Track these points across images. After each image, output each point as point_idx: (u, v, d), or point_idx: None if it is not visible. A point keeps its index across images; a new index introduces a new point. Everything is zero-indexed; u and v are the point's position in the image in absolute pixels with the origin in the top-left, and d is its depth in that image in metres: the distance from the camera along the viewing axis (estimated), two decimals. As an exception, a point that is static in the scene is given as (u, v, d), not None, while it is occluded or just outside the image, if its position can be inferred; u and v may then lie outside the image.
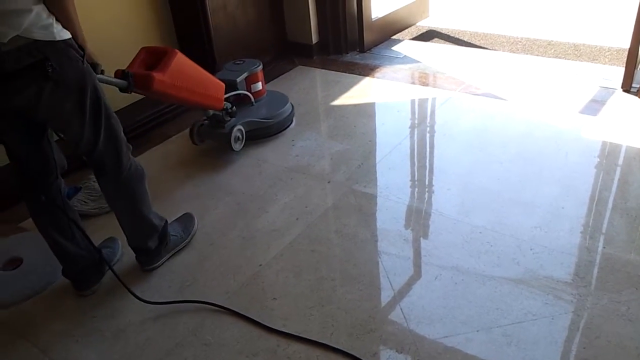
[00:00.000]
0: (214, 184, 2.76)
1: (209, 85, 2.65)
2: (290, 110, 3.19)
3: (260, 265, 2.21)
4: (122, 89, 2.18)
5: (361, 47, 4.14)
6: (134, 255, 2.23)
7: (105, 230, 2.37)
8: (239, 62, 3.14)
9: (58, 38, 1.64)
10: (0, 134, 1.83)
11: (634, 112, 3.01)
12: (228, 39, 3.64)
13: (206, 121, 2.94)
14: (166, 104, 3.33)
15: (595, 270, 2.04)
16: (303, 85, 3.74)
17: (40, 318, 2.07)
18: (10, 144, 1.86)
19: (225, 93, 2.83)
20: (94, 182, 2.69)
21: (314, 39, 4.08)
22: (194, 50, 3.56)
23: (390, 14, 4.38)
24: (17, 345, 1.97)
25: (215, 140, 2.98)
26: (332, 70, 3.91)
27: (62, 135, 1.90)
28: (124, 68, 2.20)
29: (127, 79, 2.17)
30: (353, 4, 4.00)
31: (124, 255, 2.30)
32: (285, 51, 4.14)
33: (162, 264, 2.22)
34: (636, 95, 3.14)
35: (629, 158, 2.68)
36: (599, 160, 2.69)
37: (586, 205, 2.39)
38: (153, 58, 2.36)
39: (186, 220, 2.38)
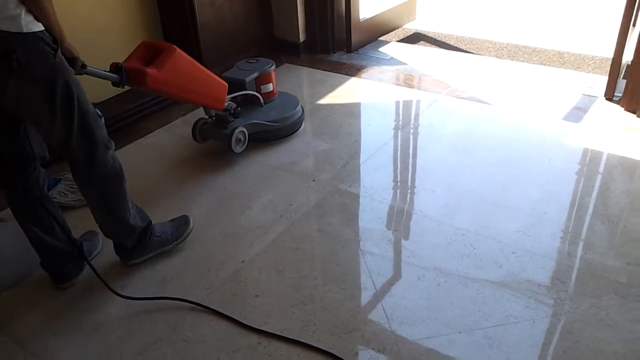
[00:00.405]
0: (197, 179, 2.73)
1: (208, 85, 2.59)
2: (299, 114, 3.07)
3: (243, 262, 2.19)
4: (115, 83, 2.14)
5: (348, 47, 4.14)
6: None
7: (85, 222, 2.32)
8: (252, 60, 3.06)
9: (26, 30, 1.56)
10: None
11: (616, 120, 3.05)
12: (215, 35, 3.61)
13: (210, 119, 2.86)
14: (148, 98, 3.29)
15: (576, 275, 2.06)
16: (289, 83, 3.72)
17: (17, 311, 2.03)
18: None
19: (233, 92, 2.78)
20: (74, 173, 2.65)
21: (302, 37, 4.07)
22: (181, 44, 3.52)
23: (377, 15, 4.39)
24: (-9, 337, 1.92)
25: (216, 140, 2.88)
26: (319, 69, 3.90)
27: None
28: (116, 62, 2.16)
29: (121, 73, 2.13)
30: (341, 4, 4.00)
31: (105, 248, 2.26)
32: (272, 48, 4.12)
33: (143, 260, 2.17)
34: (618, 103, 3.19)
35: (610, 165, 2.71)
36: (580, 166, 2.72)
37: (568, 210, 2.41)
38: (152, 53, 2.31)
39: (180, 222, 2.28)
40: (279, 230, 2.34)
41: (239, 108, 2.83)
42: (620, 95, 3.19)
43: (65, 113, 1.72)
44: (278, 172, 2.75)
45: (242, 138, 2.81)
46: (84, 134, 1.81)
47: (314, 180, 2.67)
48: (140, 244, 2.12)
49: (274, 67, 3.04)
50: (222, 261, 2.20)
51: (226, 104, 2.75)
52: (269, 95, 3.05)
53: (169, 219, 2.28)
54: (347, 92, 3.57)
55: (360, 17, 4.15)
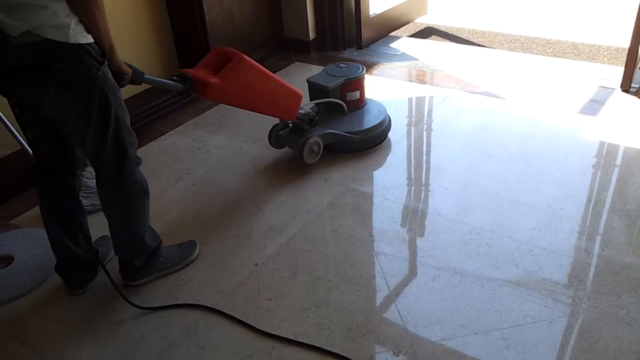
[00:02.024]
0: (208, 182, 2.73)
1: (278, 96, 2.51)
2: (384, 126, 2.88)
3: (256, 264, 2.18)
4: (179, 92, 2.16)
5: (359, 43, 4.11)
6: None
7: (98, 228, 2.32)
8: (342, 65, 2.89)
9: (72, 41, 1.56)
10: (24, 127, 1.81)
11: (633, 113, 2.99)
12: (224, 35, 3.60)
13: (289, 126, 2.78)
14: (160, 100, 3.30)
15: (594, 273, 2.02)
16: (300, 81, 3.69)
17: (31, 317, 2.04)
18: (33, 138, 1.83)
19: (316, 98, 2.75)
20: (87, 178, 2.65)
21: (311, 35, 4.05)
22: (190, 45, 3.53)
23: (388, 10, 4.35)
24: (7, 345, 1.93)
25: (291, 147, 2.78)
26: (330, 66, 3.87)
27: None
28: (184, 69, 2.19)
29: (186, 82, 2.14)
30: (351, 1, 3.96)
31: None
32: (282, 47, 4.11)
33: (143, 283, 2.11)
34: (635, 95, 3.12)
35: (628, 159, 2.66)
36: (597, 161, 2.67)
37: (585, 206, 2.37)
38: (222, 61, 2.30)
39: (187, 247, 2.23)
40: (292, 232, 2.33)
41: (317, 117, 2.71)
42: (637, 86, 3.13)
43: (100, 127, 1.73)
44: (289, 172, 2.73)
45: (315, 149, 2.68)
46: (117, 149, 1.81)
47: (326, 180, 2.65)
48: (148, 263, 2.09)
49: (364, 72, 2.85)
50: (235, 264, 2.19)
51: (302, 111, 2.66)
52: (355, 104, 2.87)
53: (177, 243, 2.24)
54: (358, 89, 3.54)
55: (371, 13, 4.12)
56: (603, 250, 2.11)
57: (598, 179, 2.55)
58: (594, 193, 2.45)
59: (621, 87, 3.21)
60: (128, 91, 2.40)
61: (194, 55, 3.53)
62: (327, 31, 4.04)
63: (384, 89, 3.54)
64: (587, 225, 2.26)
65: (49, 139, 1.83)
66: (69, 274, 2.09)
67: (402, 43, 4.26)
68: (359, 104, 2.90)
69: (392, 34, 4.43)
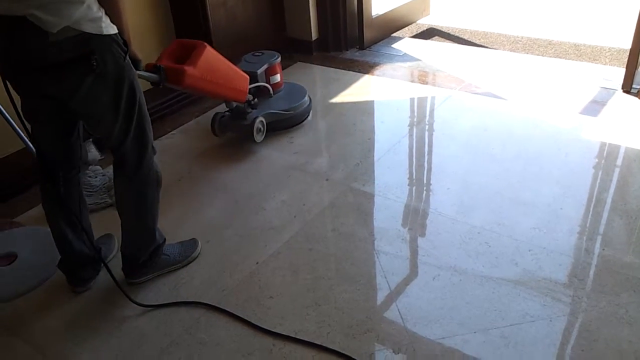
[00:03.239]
0: (210, 180, 2.74)
1: (235, 78, 2.67)
2: (308, 102, 3.19)
3: (257, 263, 2.19)
4: (154, 83, 2.18)
5: (361, 44, 4.12)
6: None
7: (101, 226, 2.34)
8: (257, 53, 3.14)
9: (105, 32, 1.63)
10: (31, 124, 1.83)
11: (634, 113, 2.99)
12: (227, 35, 3.61)
13: (227, 113, 2.94)
14: (166, 98, 3.31)
15: (594, 272, 2.03)
16: (302, 81, 3.70)
17: (33, 315, 2.05)
18: (41, 137, 1.85)
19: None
20: (89, 177, 2.67)
21: (314, 35, 4.06)
22: (193, 45, 3.54)
23: (390, 11, 4.36)
24: (10, 343, 1.94)
25: (236, 131, 2.98)
26: (332, 67, 3.89)
27: (89, 131, 1.94)
28: (151, 62, 2.21)
29: (159, 72, 2.16)
30: (353, 1, 3.98)
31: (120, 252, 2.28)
32: (285, 47, 4.11)
33: (145, 280, 2.12)
34: (636, 96, 3.13)
35: (628, 159, 2.66)
36: (598, 161, 2.68)
37: (585, 206, 2.38)
38: (182, 51, 2.36)
39: (188, 245, 2.25)
40: (293, 231, 2.34)
41: (256, 99, 2.91)
42: (639, 87, 3.13)
43: (127, 114, 1.79)
44: (291, 171, 2.75)
45: (261, 127, 2.90)
46: (139, 136, 1.86)
47: (327, 180, 2.67)
48: (151, 260, 2.10)
49: (279, 58, 3.11)
50: (237, 262, 2.21)
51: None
52: (277, 86, 3.13)
53: (178, 241, 2.25)
54: (360, 89, 3.56)
55: (373, 14, 4.13)
56: (603, 249, 2.12)
57: (599, 179, 2.56)
58: (595, 193, 2.46)
59: (622, 88, 3.21)
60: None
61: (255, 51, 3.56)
62: (330, 31, 4.05)
63: (386, 89, 3.56)
64: (587, 225, 2.27)
65: (58, 135, 1.86)
66: (72, 270, 2.10)
67: (405, 44, 4.27)
68: (280, 87, 3.18)
69: (394, 34, 4.45)
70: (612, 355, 1.71)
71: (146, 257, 2.08)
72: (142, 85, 1.87)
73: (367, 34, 4.11)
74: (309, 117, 3.20)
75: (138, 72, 2.02)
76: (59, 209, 1.98)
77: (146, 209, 2.01)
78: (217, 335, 1.89)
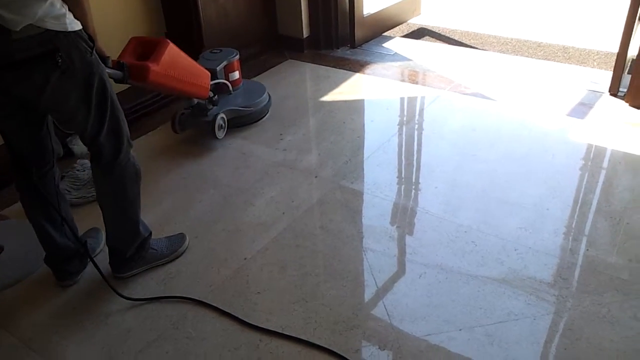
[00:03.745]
0: (200, 176, 2.74)
1: (198, 75, 2.66)
2: (267, 99, 3.23)
3: (245, 259, 2.20)
4: (117, 80, 2.15)
5: (352, 42, 4.13)
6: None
7: (88, 219, 2.34)
8: (215, 51, 3.15)
9: (70, 29, 1.62)
10: (1, 121, 1.80)
11: (621, 116, 3.03)
12: (218, 31, 3.61)
13: (188, 110, 2.94)
14: (151, 95, 3.30)
15: (578, 272, 2.05)
16: (293, 79, 3.72)
17: (20, 308, 2.04)
18: (8, 131, 1.83)
19: None
20: (77, 170, 2.66)
21: (305, 33, 4.06)
22: (184, 42, 3.53)
23: (382, 10, 4.37)
24: (-5, 334, 1.94)
25: (198, 128, 2.99)
26: (323, 65, 3.89)
27: (61, 127, 1.92)
28: (114, 59, 2.15)
29: (123, 69, 2.14)
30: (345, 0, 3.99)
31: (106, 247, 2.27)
32: (276, 44, 4.12)
33: (132, 275, 2.12)
34: (623, 99, 3.16)
35: (614, 162, 2.70)
36: (584, 162, 2.71)
37: (571, 207, 2.41)
38: (143, 48, 2.34)
39: (176, 239, 2.25)
40: (281, 227, 2.35)
41: (216, 96, 2.92)
42: (625, 90, 3.17)
43: (100, 108, 1.78)
44: (280, 168, 2.75)
45: (222, 124, 2.93)
46: (114, 129, 1.85)
47: (316, 177, 2.68)
48: (138, 254, 2.09)
49: (238, 55, 3.13)
50: (225, 258, 2.21)
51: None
52: (235, 83, 3.14)
53: (166, 236, 2.25)
54: (350, 88, 3.57)
55: (365, 12, 4.14)
56: (587, 250, 2.15)
57: (585, 180, 2.59)
58: (580, 194, 2.49)
59: (609, 91, 3.25)
60: (117, 86, 2.41)
61: (187, 49, 3.54)
62: (321, 29, 4.06)
63: (376, 88, 3.57)
64: (572, 225, 2.30)
65: (26, 130, 1.83)
66: (58, 265, 2.10)
67: (395, 43, 4.29)
68: (238, 84, 3.19)
69: (385, 33, 4.46)
70: (594, 354, 1.73)
71: (133, 251, 2.07)
72: (120, 86, 1.88)
73: (359, 33, 4.12)
74: (267, 115, 3.23)
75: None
76: (37, 205, 1.97)
77: (127, 202, 2.00)
78: (204, 330, 1.90)
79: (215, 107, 2.95)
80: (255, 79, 3.70)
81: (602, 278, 2.01)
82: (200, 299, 2.01)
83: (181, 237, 2.27)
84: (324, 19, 4.01)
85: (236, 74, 3.15)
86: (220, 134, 2.92)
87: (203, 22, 3.47)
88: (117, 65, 2.14)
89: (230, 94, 3.10)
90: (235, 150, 2.92)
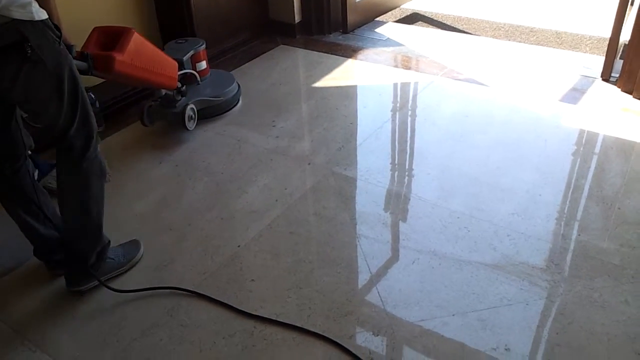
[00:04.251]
0: (192, 164, 2.73)
1: (164, 65, 2.58)
2: (237, 89, 3.19)
3: (239, 246, 2.20)
4: (82, 72, 2.02)
5: (344, 27, 4.11)
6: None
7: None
8: (181, 41, 3.08)
9: (37, 18, 1.56)
10: None
11: (613, 102, 3.04)
12: (209, 17, 3.58)
13: (156, 102, 2.87)
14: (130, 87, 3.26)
15: (570, 257, 2.07)
16: (285, 65, 3.70)
17: (12, 297, 2.03)
18: None
19: None
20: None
21: (297, 18, 4.03)
22: (174, 28, 3.50)
23: (374, -5, 4.35)
24: (-12, 323, 1.93)
25: (167, 120, 2.93)
26: (315, 50, 3.87)
27: (30, 121, 1.86)
28: (78, 50, 2.06)
29: (87, 60, 2.05)
30: (337, -16, 3.96)
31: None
32: (267, 30, 4.09)
33: (88, 288, 2.01)
34: (615, 84, 3.17)
35: (606, 147, 2.71)
36: (576, 148, 2.72)
37: (563, 192, 2.42)
38: (107, 38, 2.25)
39: (130, 246, 2.16)
40: (275, 215, 2.35)
41: (184, 87, 2.86)
42: (617, 75, 3.17)
43: (71, 99, 1.73)
44: (273, 155, 2.75)
45: (192, 115, 2.88)
46: (85, 121, 1.80)
47: (309, 164, 2.67)
48: (98, 262, 2.00)
49: (204, 45, 3.08)
50: (218, 245, 2.21)
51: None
52: (203, 73, 3.10)
53: (119, 244, 2.14)
54: (343, 73, 3.55)
55: (357, -2, 4.12)
56: (579, 235, 2.16)
57: (577, 166, 2.60)
58: (573, 180, 2.50)
59: (602, 76, 3.25)
60: (91, 80, 2.36)
61: (178, 36, 3.51)
62: (313, 14, 4.03)
63: (368, 73, 3.56)
64: (564, 211, 2.31)
65: None
66: (46, 256, 2.06)
67: (388, 28, 4.26)
68: (206, 74, 3.15)
69: (378, 19, 4.43)
70: (586, 338, 1.75)
71: (94, 258, 1.97)
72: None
73: (351, 18, 4.09)
74: (239, 104, 3.20)
75: None
76: (14, 199, 1.92)
77: (92, 200, 1.91)
78: (199, 318, 1.90)
79: (184, 98, 2.89)
80: (246, 65, 3.69)
81: (593, 263, 2.02)
82: (194, 290, 2.00)
83: (135, 243, 2.18)
84: (316, 3, 3.98)
85: (203, 64, 3.10)
86: (190, 125, 2.87)
87: (193, 8, 3.43)
88: (81, 55, 2.05)
89: (199, 84, 3.05)
90: (227, 138, 2.91)
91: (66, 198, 1.91)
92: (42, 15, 1.59)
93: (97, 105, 2.92)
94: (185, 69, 2.93)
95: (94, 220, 1.94)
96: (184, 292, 1.99)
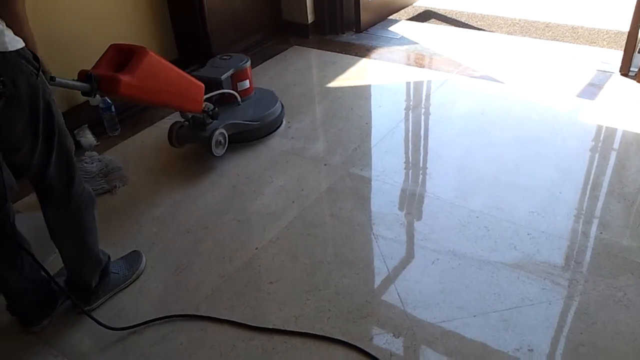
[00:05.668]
0: (208, 166, 2.73)
1: (184, 87, 2.42)
2: (279, 111, 2.96)
3: (256, 248, 2.19)
4: (85, 93, 1.99)
5: (357, 27, 4.09)
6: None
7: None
8: (225, 57, 2.92)
9: (10, 48, 1.41)
10: None
11: (632, 96, 2.99)
12: (223, 19, 3.58)
13: (187, 122, 2.71)
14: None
15: (592, 256, 2.04)
16: (298, 65, 3.69)
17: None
18: None
19: (209, 92, 2.62)
20: (85, 163, 2.66)
21: (310, 18, 4.02)
22: (188, 30, 3.51)
23: (386, -7, 4.33)
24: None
25: (195, 143, 2.77)
26: (328, 50, 3.86)
27: (4, 159, 1.70)
28: (85, 69, 2.01)
29: (91, 82, 1.97)
30: (349, -17, 3.94)
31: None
32: (281, 30, 4.09)
33: (99, 305, 1.98)
34: (634, 79, 3.12)
35: (625, 143, 2.67)
36: (595, 144, 2.68)
37: (583, 189, 2.39)
38: (122, 56, 2.14)
39: (132, 258, 2.11)
40: (292, 216, 2.34)
41: (216, 109, 2.67)
42: (636, 70, 3.13)
43: (46, 137, 1.59)
44: (289, 157, 2.74)
45: (222, 140, 2.67)
46: (63, 160, 1.67)
47: (325, 165, 2.66)
48: (102, 281, 1.96)
49: (249, 62, 2.90)
50: (236, 248, 2.21)
51: (203, 105, 2.59)
52: (245, 93, 2.91)
53: (120, 257, 2.11)
54: (357, 73, 3.54)
55: (369, -4, 4.10)
56: (601, 233, 2.13)
57: (596, 162, 2.57)
58: (592, 176, 2.47)
59: (620, 71, 3.21)
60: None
61: (191, 39, 3.53)
62: (326, 14, 4.02)
63: (383, 72, 3.54)
64: (585, 208, 2.28)
65: None
66: (23, 311, 1.90)
67: (401, 26, 4.24)
68: (249, 93, 2.94)
69: (390, 17, 4.41)
70: (611, 338, 1.72)
71: (97, 280, 1.94)
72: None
73: (364, 17, 4.07)
74: (282, 127, 2.98)
75: (65, 81, 1.87)
76: None
77: (86, 232, 1.83)
78: (218, 322, 1.89)
79: (215, 120, 2.68)
80: (260, 66, 3.68)
81: (616, 261, 1.99)
82: (206, 315, 1.92)
83: (136, 254, 2.14)
84: (329, 3, 3.97)
85: (246, 83, 2.89)
86: (218, 151, 2.66)
87: (207, 10, 3.43)
88: (85, 77, 1.98)
89: (239, 105, 2.86)
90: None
91: (58, 237, 1.83)
92: (17, 44, 1.44)
93: (113, 109, 2.94)
94: (223, 88, 2.76)
95: (90, 249, 1.88)
96: (204, 296, 1.99)
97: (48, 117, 1.58)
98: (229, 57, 2.91)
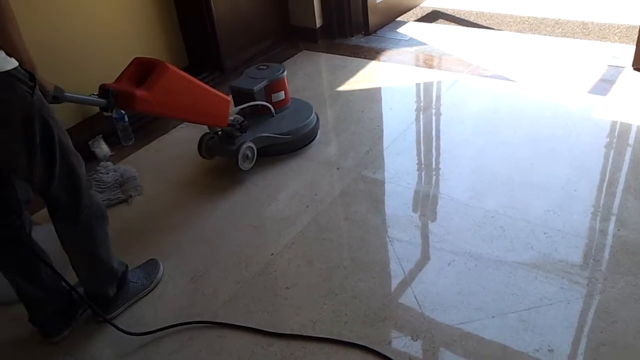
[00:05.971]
0: (222, 172, 2.74)
1: (206, 103, 2.39)
2: (314, 123, 2.86)
3: (272, 254, 2.20)
4: (103, 108, 2.00)
5: (366, 30, 4.10)
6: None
7: (113, 223, 2.32)
8: (262, 67, 2.84)
9: (1, 70, 1.39)
10: None
11: (645, 91, 2.97)
12: (232, 26, 3.60)
13: (217, 135, 2.68)
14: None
15: (610, 253, 2.02)
16: (308, 70, 3.70)
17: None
18: None
19: (241, 103, 2.64)
20: (101, 173, 2.68)
21: (318, 22, 4.03)
22: (197, 36, 3.53)
23: (394, -5, 4.33)
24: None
25: (223, 156, 2.71)
26: (338, 54, 3.86)
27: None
28: (105, 83, 2.02)
29: (108, 96, 1.98)
30: (357, -14, 3.94)
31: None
32: (289, 35, 4.10)
33: (119, 314, 1.99)
34: (647, 73, 3.10)
35: (640, 138, 2.65)
36: (610, 140, 2.66)
37: (598, 186, 2.37)
38: (143, 71, 2.14)
39: (150, 266, 2.13)
40: (306, 221, 2.34)
41: (245, 121, 2.61)
42: (649, 64, 3.10)
43: (46, 155, 1.58)
44: (302, 161, 2.74)
45: (249, 154, 2.61)
46: (68, 175, 1.66)
47: (338, 168, 2.66)
48: (121, 291, 1.97)
49: (285, 73, 2.81)
50: (251, 254, 2.21)
51: (232, 118, 2.56)
52: (280, 104, 2.82)
53: (137, 265, 2.12)
54: (367, 76, 3.54)
55: (377, -2, 4.10)
56: (618, 230, 2.11)
57: (611, 158, 2.55)
58: (607, 173, 2.45)
59: (633, 65, 3.18)
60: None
61: (201, 47, 3.55)
62: (334, 18, 4.02)
63: (393, 75, 3.54)
64: (601, 205, 2.26)
65: None
66: (44, 322, 1.92)
67: (409, 28, 4.24)
68: (285, 104, 2.85)
69: (398, 18, 4.41)
70: (632, 336, 1.71)
71: (114, 290, 1.95)
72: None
73: (372, 19, 4.07)
74: (317, 138, 2.90)
75: (82, 97, 1.88)
76: (9, 259, 1.78)
77: (98, 247, 1.83)
78: (237, 327, 1.90)
79: (244, 134, 2.62)
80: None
81: (635, 258, 1.97)
82: (219, 321, 1.93)
83: (154, 263, 2.16)
84: (337, 7, 3.98)
85: (281, 95, 2.79)
86: (245, 165, 2.60)
87: (215, 17, 3.45)
88: (103, 92, 1.99)
89: (273, 117, 2.78)
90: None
91: (70, 251, 1.83)
92: (8, 65, 1.41)
93: (126, 119, 2.96)
94: (255, 99, 2.70)
95: (103, 262, 1.88)
96: (221, 303, 2.00)
97: (45, 134, 1.55)
98: (265, 67, 2.84)
